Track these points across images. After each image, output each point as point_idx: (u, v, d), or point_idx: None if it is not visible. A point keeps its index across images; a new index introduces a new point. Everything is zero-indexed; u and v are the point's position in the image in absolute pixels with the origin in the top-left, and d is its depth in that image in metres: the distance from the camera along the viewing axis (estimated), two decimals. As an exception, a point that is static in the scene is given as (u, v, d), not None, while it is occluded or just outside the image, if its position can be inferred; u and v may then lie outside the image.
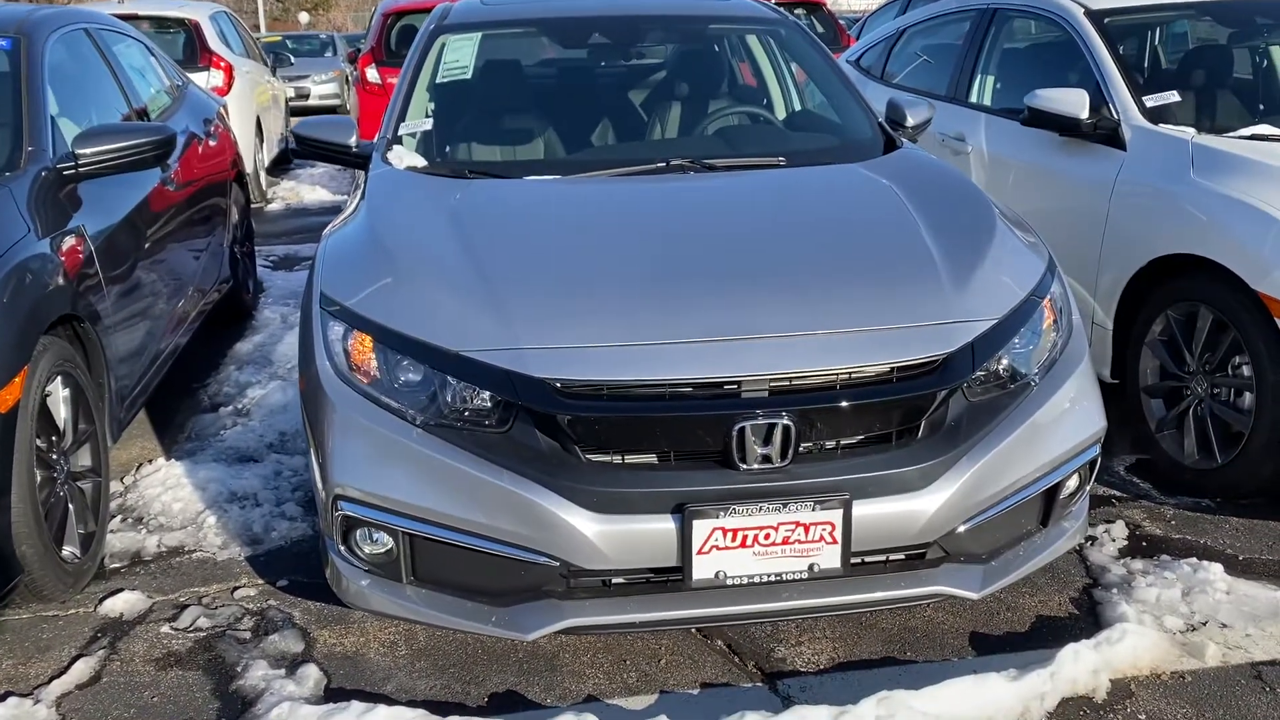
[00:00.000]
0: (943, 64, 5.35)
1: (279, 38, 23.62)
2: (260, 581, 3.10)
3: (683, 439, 2.34)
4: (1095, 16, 4.33)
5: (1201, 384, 3.53)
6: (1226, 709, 2.48)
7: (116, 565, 3.22)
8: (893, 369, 2.40)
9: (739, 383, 2.34)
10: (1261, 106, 4.34)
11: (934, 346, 2.44)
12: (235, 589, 3.06)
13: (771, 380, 2.35)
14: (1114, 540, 3.24)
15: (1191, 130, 3.78)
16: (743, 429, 2.29)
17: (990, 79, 4.99)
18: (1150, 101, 3.97)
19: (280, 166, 11.58)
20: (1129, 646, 2.62)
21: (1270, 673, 2.60)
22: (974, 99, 5.00)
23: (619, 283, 2.58)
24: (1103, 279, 3.91)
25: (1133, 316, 3.80)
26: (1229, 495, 3.48)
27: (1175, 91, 4.03)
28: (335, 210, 9.43)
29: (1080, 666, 2.54)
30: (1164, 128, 3.85)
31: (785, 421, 2.30)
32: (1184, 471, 3.58)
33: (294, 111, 13.51)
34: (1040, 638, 2.78)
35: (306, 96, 19.72)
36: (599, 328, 2.42)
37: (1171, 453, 3.63)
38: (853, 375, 2.38)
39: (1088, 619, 2.85)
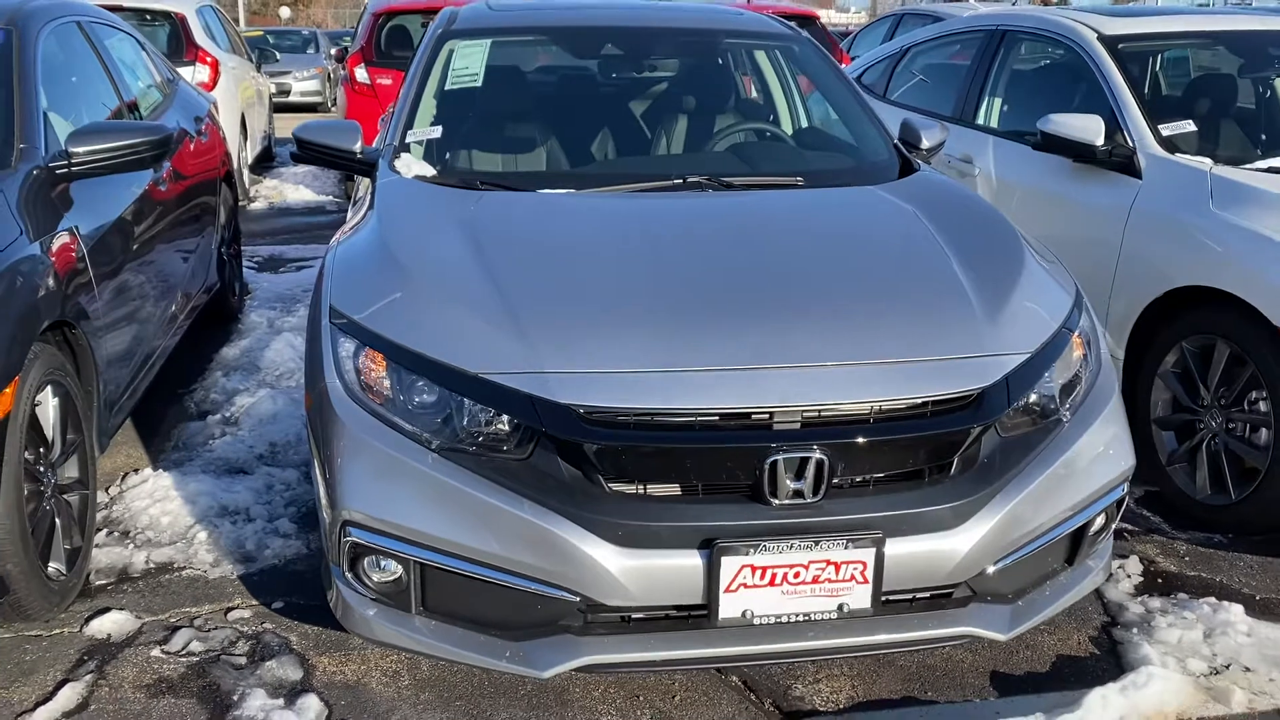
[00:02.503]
0: (949, 84, 5.30)
1: (260, 32, 23.34)
2: (254, 602, 2.98)
3: (713, 471, 2.25)
4: (1109, 42, 4.30)
5: (1216, 418, 3.49)
6: (1256, 758, 2.43)
7: (103, 582, 3.09)
8: (928, 402, 2.33)
9: (771, 413, 2.26)
10: (1263, 137, 4.32)
11: (970, 380, 2.37)
12: (229, 610, 2.94)
13: (805, 411, 2.27)
14: (1129, 577, 3.19)
15: (1209, 161, 3.74)
16: (775, 462, 2.21)
17: (998, 101, 4.95)
18: (1166, 130, 3.93)
19: (263, 164, 11.41)
20: (1155, 691, 2.56)
21: (1298, 721, 2.55)
22: (981, 121, 4.96)
23: (644, 305, 2.49)
24: (1114, 309, 3.86)
25: (1144, 347, 3.76)
26: (1242, 532, 3.44)
27: (1191, 121, 3.99)
28: (319, 210, 9.34)
29: (1108, 712, 2.48)
30: (1181, 157, 3.81)
31: (820, 455, 2.22)
32: (1195, 506, 3.53)
33: (275, 108, 13.33)
34: (1062, 678, 2.71)
35: (287, 93, 19.52)
36: (626, 352, 2.33)
37: (1183, 486, 3.58)
38: (888, 408, 2.30)
39: (1109, 659, 2.79)
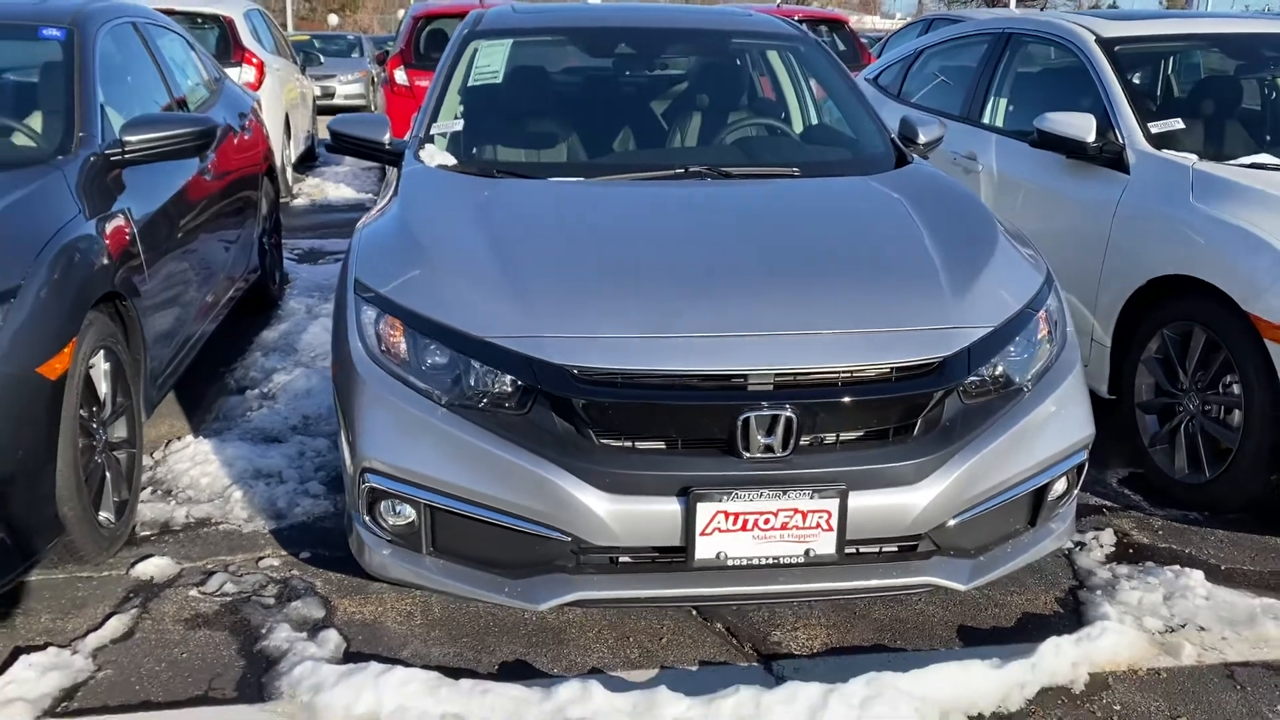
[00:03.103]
0: (958, 85, 5.49)
1: (307, 37, 23.91)
2: (284, 553, 3.26)
3: (690, 426, 2.49)
4: (1106, 44, 4.47)
5: (1193, 401, 3.66)
6: (1198, 704, 2.61)
7: (147, 533, 3.38)
8: (892, 369, 2.54)
9: (745, 376, 2.49)
10: (1268, 137, 4.48)
11: (932, 350, 2.59)
12: (260, 559, 3.22)
13: (776, 375, 2.49)
14: (1102, 546, 3.37)
15: (1194, 157, 3.91)
16: (747, 419, 2.44)
17: (1003, 101, 5.14)
18: (1155, 128, 4.11)
19: (305, 164, 11.79)
20: (1108, 643, 2.76)
21: (1242, 673, 2.73)
22: (986, 120, 5.15)
23: (635, 278, 2.74)
24: (1102, 297, 4.04)
25: (1130, 335, 3.94)
26: (1216, 509, 3.61)
27: (1180, 119, 4.16)
28: (359, 207, 9.67)
29: (1060, 659, 2.67)
30: (1167, 153, 3.98)
31: (788, 414, 2.45)
32: (1174, 485, 3.71)
33: (319, 110, 13.72)
34: (1025, 633, 2.91)
35: (332, 96, 19.97)
36: (615, 319, 2.58)
37: (1163, 467, 3.75)
38: (854, 373, 2.52)
39: (1071, 617, 2.98)
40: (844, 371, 2.52)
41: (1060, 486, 2.83)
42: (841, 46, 11.26)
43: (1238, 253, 3.47)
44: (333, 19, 44.87)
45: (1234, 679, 2.70)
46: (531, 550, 2.55)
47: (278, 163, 7.80)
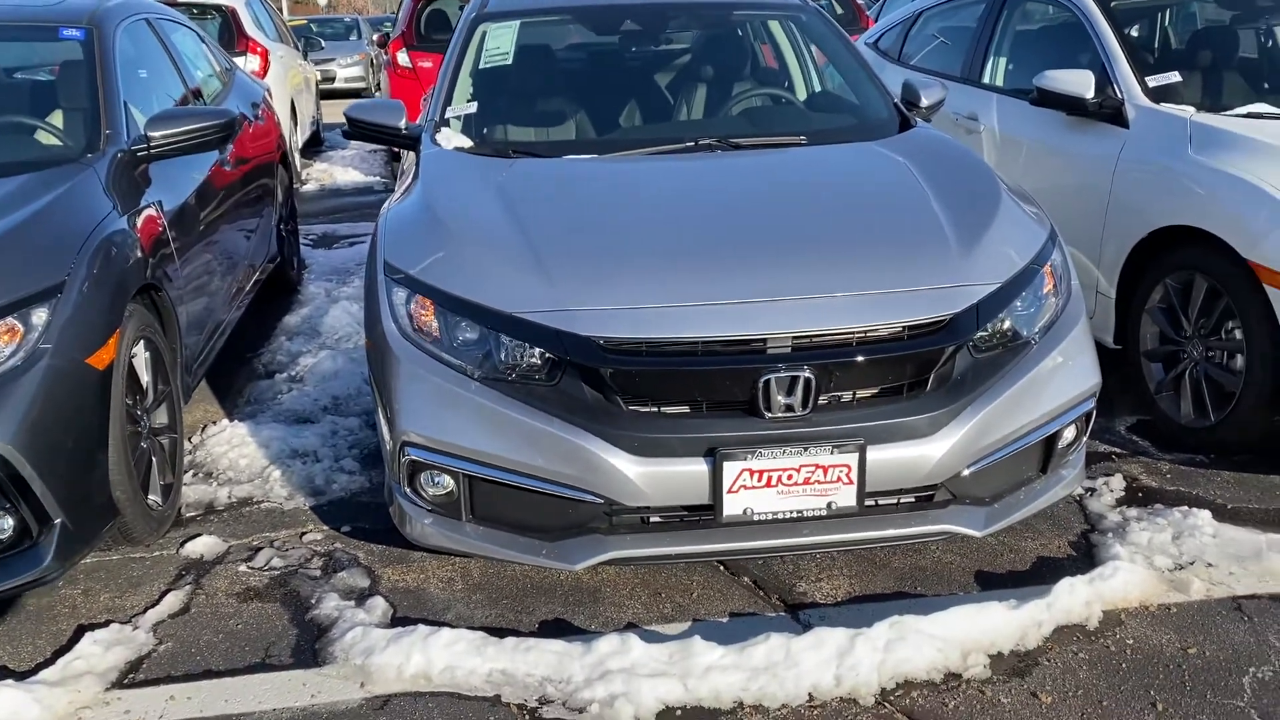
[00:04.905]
0: (957, 46, 5.56)
1: (304, 21, 23.90)
2: (326, 528, 3.40)
3: (713, 390, 2.61)
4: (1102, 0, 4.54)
5: (1197, 348, 3.77)
6: (1208, 636, 2.73)
7: (192, 514, 3.52)
8: (904, 328, 2.66)
9: (764, 340, 2.61)
10: (1266, 85, 4.55)
11: (942, 307, 2.70)
12: (303, 534, 3.36)
13: (794, 338, 2.61)
14: (1111, 491, 3.49)
15: (1191, 109, 3.99)
16: (768, 381, 2.56)
17: (1003, 61, 5.21)
18: (1153, 82, 4.18)
19: (312, 149, 11.87)
20: (1120, 581, 2.88)
21: (1250, 605, 2.85)
22: (987, 80, 5.22)
23: (655, 250, 2.85)
24: (1106, 250, 4.14)
25: (1134, 286, 4.03)
26: (1221, 451, 3.72)
27: (1177, 72, 4.24)
28: (368, 190, 9.78)
29: (1075, 598, 2.80)
30: (1165, 107, 4.06)
31: (806, 374, 2.56)
32: (1180, 430, 3.82)
33: (321, 95, 13.78)
34: (1040, 575, 3.03)
35: (332, 80, 20.00)
36: (638, 290, 2.69)
37: (1169, 413, 3.87)
38: (868, 333, 2.64)
39: (1084, 559, 3.11)
40: (858, 332, 2.63)
41: (1070, 434, 2.95)
42: (840, 10, 11.28)
43: (1236, 202, 3.56)
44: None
45: (1242, 611, 2.83)
46: (566, 513, 2.68)
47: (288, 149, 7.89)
